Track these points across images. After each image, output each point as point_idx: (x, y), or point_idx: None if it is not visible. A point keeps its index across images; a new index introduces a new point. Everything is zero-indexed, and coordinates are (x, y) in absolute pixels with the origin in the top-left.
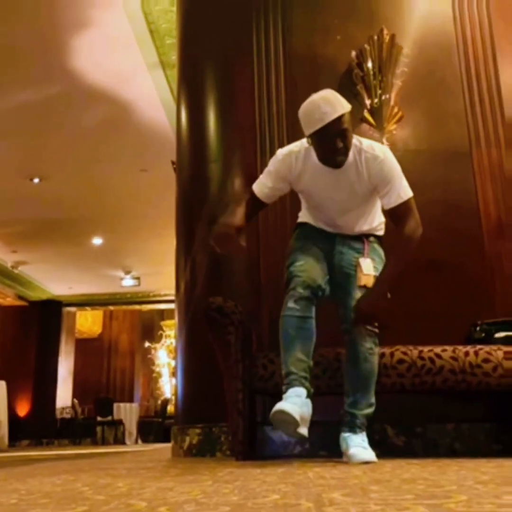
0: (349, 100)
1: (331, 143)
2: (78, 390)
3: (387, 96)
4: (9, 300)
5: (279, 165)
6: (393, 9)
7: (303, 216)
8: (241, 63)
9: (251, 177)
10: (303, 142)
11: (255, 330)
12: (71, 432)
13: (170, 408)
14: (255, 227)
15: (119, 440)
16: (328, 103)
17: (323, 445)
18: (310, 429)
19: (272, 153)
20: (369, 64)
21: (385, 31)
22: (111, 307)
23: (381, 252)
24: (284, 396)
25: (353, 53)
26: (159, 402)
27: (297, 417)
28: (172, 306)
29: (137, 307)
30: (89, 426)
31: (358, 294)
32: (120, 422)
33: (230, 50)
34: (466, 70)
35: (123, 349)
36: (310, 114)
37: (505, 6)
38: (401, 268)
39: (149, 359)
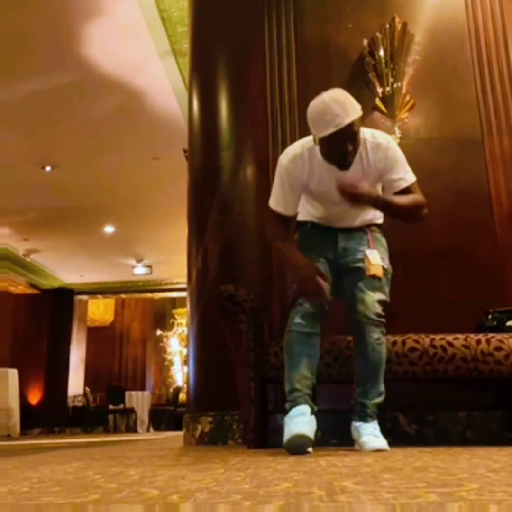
0: (360, 88)
1: (341, 147)
2: (90, 378)
3: (399, 84)
4: (21, 288)
5: (289, 176)
6: None
7: (304, 213)
8: (253, 52)
9: (263, 166)
10: (304, 142)
11: (267, 318)
12: (83, 420)
13: (182, 396)
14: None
15: (131, 428)
16: (340, 106)
17: (335, 433)
18: (321, 417)
19: (284, 142)
20: (381, 52)
21: (397, 19)
22: (123, 295)
23: (383, 241)
24: (288, 416)
25: (365, 42)
26: (171, 390)
27: (313, 436)
28: (184, 294)
29: (148, 295)
30: (101, 414)
31: (366, 284)
32: (132, 410)
33: (242, 39)
34: (478, 58)
35: (134, 337)
36: (321, 116)
37: None
38: (399, 207)
39: (161, 347)
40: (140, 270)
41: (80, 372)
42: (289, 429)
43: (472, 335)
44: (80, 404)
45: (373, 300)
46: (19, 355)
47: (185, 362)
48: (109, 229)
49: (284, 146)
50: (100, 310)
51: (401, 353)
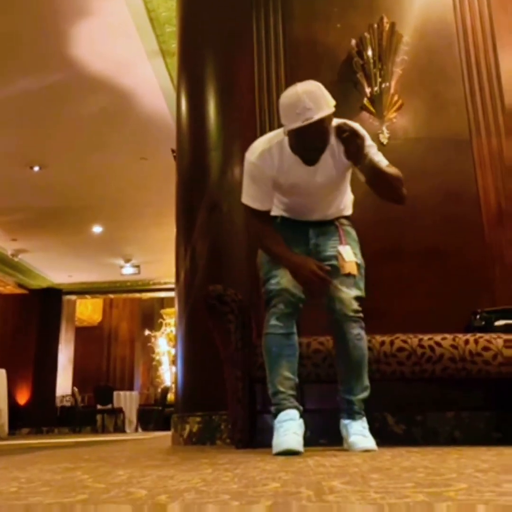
0: (349, 88)
1: (309, 143)
2: (78, 378)
3: (387, 84)
4: (9, 288)
5: (259, 172)
6: None
7: (274, 209)
8: (241, 52)
9: None
10: (271, 136)
11: (255, 318)
12: (71, 420)
13: (170, 396)
14: None
15: (119, 428)
16: (312, 99)
17: (323, 433)
18: (309, 417)
19: None
20: (369, 52)
21: (385, 20)
22: (111, 295)
23: (354, 234)
24: (277, 421)
25: (353, 41)
26: (159, 390)
27: (302, 448)
28: (172, 294)
29: (137, 295)
30: (89, 414)
31: (341, 282)
32: (120, 410)
33: (230, 39)
34: (466, 58)
35: (123, 337)
36: (292, 107)
37: None
38: (384, 172)
39: (149, 347)
40: (128, 270)
41: (68, 372)
42: (279, 440)
43: (460, 335)
44: (68, 404)
45: (349, 297)
46: (7, 355)
47: (173, 362)
48: (97, 229)
49: None
50: (88, 310)
51: (389, 353)
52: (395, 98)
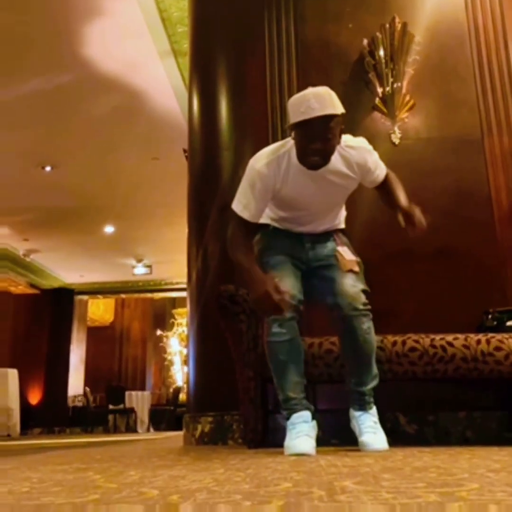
0: (361, 88)
1: (309, 141)
2: (90, 378)
3: (399, 84)
4: (21, 288)
5: (262, 182)
6: None
7: (264, 217)
8: (253, 52)
9: None
10: (279, 145)
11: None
12: (83, 420)
13: (182, 396)
14: None
15: (131, 428)
16: (318, 100)
17: (335, 433)
18: (321, 417)
19: None
20: (381, 52)
21: (397, 19)
22: (123, 295)
23: (347, 240)
24: (290, 423)
25: (365, 41)
26: (171, 390)
27: (314, 452)
28: (183, 294)
29: (148, 295)
30: (101, 414)
31: (345, 278)
32: (132, 410)
33: (242, 39)
34: (478, 58)
35: (134, 337)
36: (298, 105)
37: None
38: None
39: (161, 347)
40: (140, 270)
41: (80, 372)
42: (292, 442)
43: (472, 335)
44: (80, 404)
45: (357, 290)
46: (19, 355)
47: (185, 362)
48: (109, 229)
49: None
50: (100, 310)
51: (401, 353)
52: (407, 98)
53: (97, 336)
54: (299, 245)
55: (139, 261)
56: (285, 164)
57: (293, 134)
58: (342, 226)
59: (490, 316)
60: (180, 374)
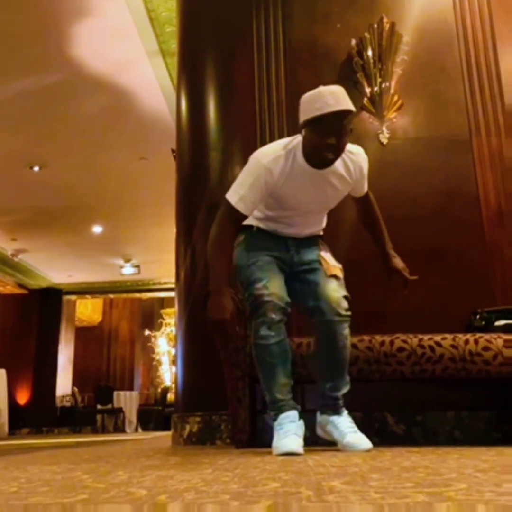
0: (349, 88)
1: (323, 137)
2: (78, 378)
3: (387, 84)
4: (9, 288)
5: (266, 177)
6: None
7: (249, 219)
8: (241, 51)
9: None
10: (285, 143)
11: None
12: (71, 420)
13: (170, 396)
14: None
15: (119, 428)
16: (334, 96)
17: None
18: (309, 417)
19: (272, 141)
20: (369, 52)
21: (385, 19)
22: (111, 295)
23: (327, 247)
24: (277, 423)
25: (353, 41)
26: (159, 390)
27: (302, 450)
28: (172, 294)
29: (137, 295)
30: (89, 414)
31: (329, 283)
32: (120, 410)
33: (230, 39)
34: (466, 58)
35: (123, 337)
36: (312, 101)
37: None
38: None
39: (149, 347)
40: (128, 270)
41: (68, 372)
42: (280, 442)
43: (460, 335)
44: (68, 404)
45: (340, 296)
46: (7, 355)
47: (173, 362)
48: (97, 229)
49: None
50: (88, 310)
51: (389, 353)
52: (395, 98)
53: (85, 336)
54: (284, 248)
55: (127, 261)
56: (291, 161)
57: (304, 131)
58: (321, 232)
59: (478, 316)
60: (168, 374)
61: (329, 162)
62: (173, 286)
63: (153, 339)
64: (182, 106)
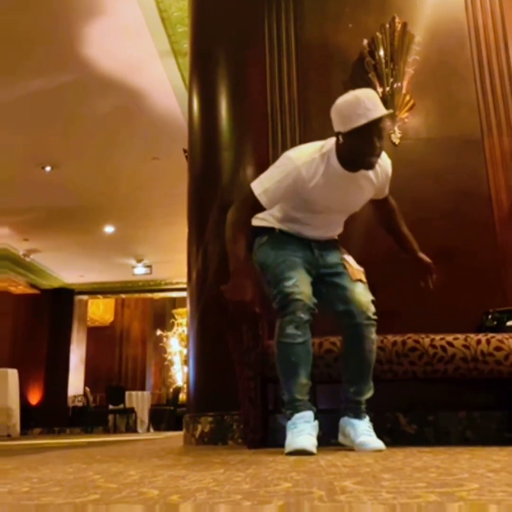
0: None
1: (370, 142)
2: (90, 378)
3: (399, 84)
4: (21, 288)
5: (297, 177)
6: None
7: (271, 221)
8: (252, 52)
9: (262, 166)
10: (320, 146)
11: (267, 318)
12: (83, 420)
13: (182, 396)
14: None
15: (131, 428)
16: (371, 101)
17: (335, 433)
18: (321, 417)
19: (284, 142)
20: (381, 52)
21: (397, 19)
22: (123, 295)
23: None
24: (292, 422)
25: (365, 42)
26: (171, 390)
27: (315, 450)
28: (184, 294)
29: (149, 295)
30: (101, 414)
31: (356, 287)
32: (132, 410)
33: (241, 39)
34: (478, 58)
35: (134, 337)
36: (353, 108)
37: None
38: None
39: (161, 347)
40: (140, 270)
41: (80, 372)
42: (293, 440)
43: (472, 335)
44: (80, 404)
45: (368, 300)
46: (19, 355)
47: (185, 362)
48: (109, 229)
49: (284, 147)
50: (100, 310)
51: (401, 353)
52: (407, 98)
53: (97, 336)
54: (308, 250)
55: (139, 261)
56: (324, 165)
57: (341, 137)
58: (337, 237)
59: (490, 316)
60: (180, 374)
61: (374, 165)
62: (184, 286)
63: (164, 339)
64: (194, 106)
